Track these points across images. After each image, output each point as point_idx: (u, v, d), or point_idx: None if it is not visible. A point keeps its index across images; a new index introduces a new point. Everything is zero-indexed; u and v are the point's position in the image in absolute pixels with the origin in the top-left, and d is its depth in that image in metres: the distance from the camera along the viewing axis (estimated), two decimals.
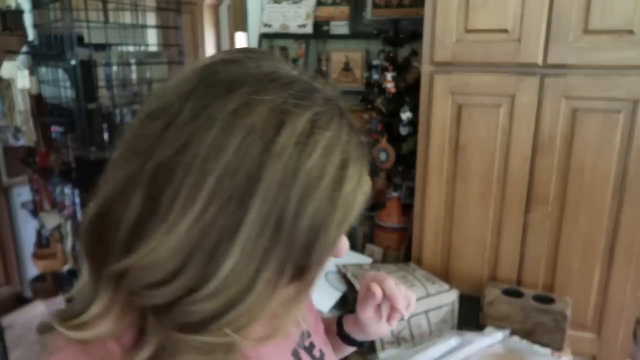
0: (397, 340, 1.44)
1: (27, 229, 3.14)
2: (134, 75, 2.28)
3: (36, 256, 2.40)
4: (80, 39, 1.98)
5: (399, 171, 1.95)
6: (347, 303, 1.63)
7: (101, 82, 2.14)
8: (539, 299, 1.44)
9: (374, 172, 1.93)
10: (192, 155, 0.41)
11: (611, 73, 1.36)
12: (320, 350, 0.71)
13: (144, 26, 2.27)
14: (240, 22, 4.09)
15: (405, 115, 1.86)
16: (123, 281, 0.43)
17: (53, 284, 2.61)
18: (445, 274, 1.62)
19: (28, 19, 2.50)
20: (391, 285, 0.70)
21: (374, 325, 0.75)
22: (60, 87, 2.13)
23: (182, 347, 0.43)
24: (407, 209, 1.93)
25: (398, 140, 1.92)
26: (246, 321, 0.44)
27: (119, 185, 0.44)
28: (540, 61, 1.41)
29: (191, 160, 0.41)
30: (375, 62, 1.98)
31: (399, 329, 1.44)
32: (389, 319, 0.75)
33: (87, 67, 2.00)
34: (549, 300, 1.43)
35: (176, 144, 0.42)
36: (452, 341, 1.38)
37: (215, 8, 5.27)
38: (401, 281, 0.87)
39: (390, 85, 1.86)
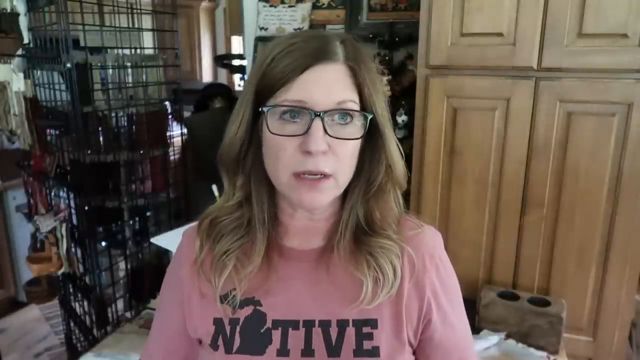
0: None
1: (22, 232, 3.12)
2: (129, 78, 2.27)
3: (31, 260, 2.39)
4: (75, 42, 1.97)
5: None
6: None
7: (97, 85, 2.13)
8: (534, 301, 1.45)
9: None
10: None
11: (605, 76, 1.37)
12: None
13: (140, 29, 2.26)
14: (236, 25, 4.11)
15: (401, 118, 1.87)
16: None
17: (48, 287, 2.60)
18: None
19: (23, 22, 2.49)
20: None
21: None
22: (56, 90, 2.12)
23: None
24: None
25: None
26: None
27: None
28: (535, 65, 1.42)
29: None
30: None
31: None
32: None
33: (83, 70, 2.00)
34: (545, 303, 1.44)
35: None
36: None
37: (211, 11, 5.28)
38: None
39: (385, 89, 1.86)
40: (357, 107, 0.69)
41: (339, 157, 0.68)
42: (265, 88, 0.69)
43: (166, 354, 0.83)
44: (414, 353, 0.76)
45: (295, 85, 0.66)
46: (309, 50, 0.68)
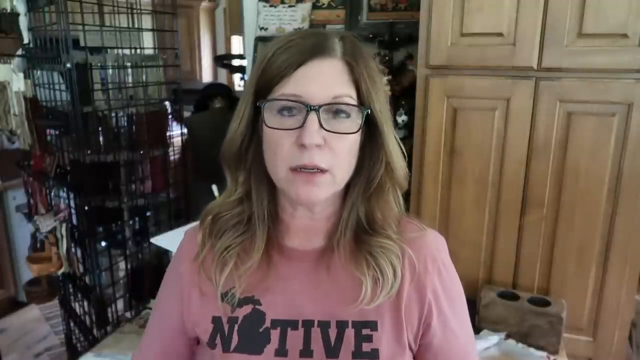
0: None
1: (22, 232, 3.13)
2: (129, 78, 2.27)
3: (31, 260, 2.39)
4: (75, 42, 1.97)
5: None
6: None
7: (97, 85, 2.13)
8: (534, 301, 1.45)
9: None
10: None
11: (605, 76, 1.37)
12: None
13: (140, 29, 2.26)
14: (236, 25, 4.11)
15: (401, 118, 1.87)
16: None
17: (48, 287, 2.60)
18: None
19: (23, 22, 2.49)
20: None
21: None
22: (56, 90, 2.12)
23: None
24: None
25: None
26: None
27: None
28: (535, 65, 1.42)
29: None
30: None
31: None
32: None
33: (83, 70, 2.00)
34: (545, 303, 1.44)
35: None
36: None
37: (211, 11, 5.27)
38: None
39: (385, 89, 1.86)
40: (354, 102, 0.69)
41: (335, 152, 0.68)
42: (264, 84, 0.69)
43: (162, 354, 0.82)
44: (414, 358, 0.76)
45: (292, 80, 0.67)
46: (307, 46, 0.68)
